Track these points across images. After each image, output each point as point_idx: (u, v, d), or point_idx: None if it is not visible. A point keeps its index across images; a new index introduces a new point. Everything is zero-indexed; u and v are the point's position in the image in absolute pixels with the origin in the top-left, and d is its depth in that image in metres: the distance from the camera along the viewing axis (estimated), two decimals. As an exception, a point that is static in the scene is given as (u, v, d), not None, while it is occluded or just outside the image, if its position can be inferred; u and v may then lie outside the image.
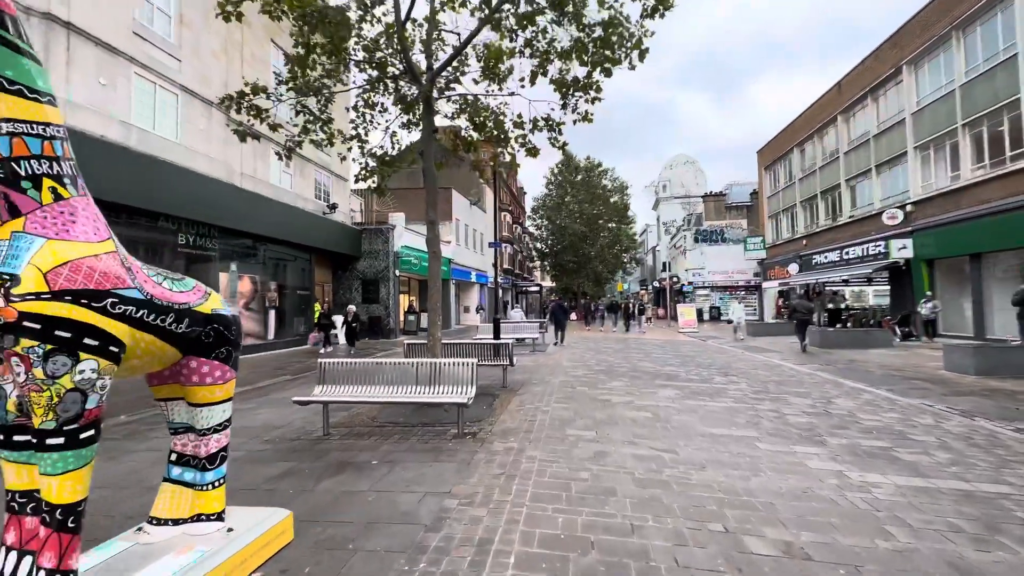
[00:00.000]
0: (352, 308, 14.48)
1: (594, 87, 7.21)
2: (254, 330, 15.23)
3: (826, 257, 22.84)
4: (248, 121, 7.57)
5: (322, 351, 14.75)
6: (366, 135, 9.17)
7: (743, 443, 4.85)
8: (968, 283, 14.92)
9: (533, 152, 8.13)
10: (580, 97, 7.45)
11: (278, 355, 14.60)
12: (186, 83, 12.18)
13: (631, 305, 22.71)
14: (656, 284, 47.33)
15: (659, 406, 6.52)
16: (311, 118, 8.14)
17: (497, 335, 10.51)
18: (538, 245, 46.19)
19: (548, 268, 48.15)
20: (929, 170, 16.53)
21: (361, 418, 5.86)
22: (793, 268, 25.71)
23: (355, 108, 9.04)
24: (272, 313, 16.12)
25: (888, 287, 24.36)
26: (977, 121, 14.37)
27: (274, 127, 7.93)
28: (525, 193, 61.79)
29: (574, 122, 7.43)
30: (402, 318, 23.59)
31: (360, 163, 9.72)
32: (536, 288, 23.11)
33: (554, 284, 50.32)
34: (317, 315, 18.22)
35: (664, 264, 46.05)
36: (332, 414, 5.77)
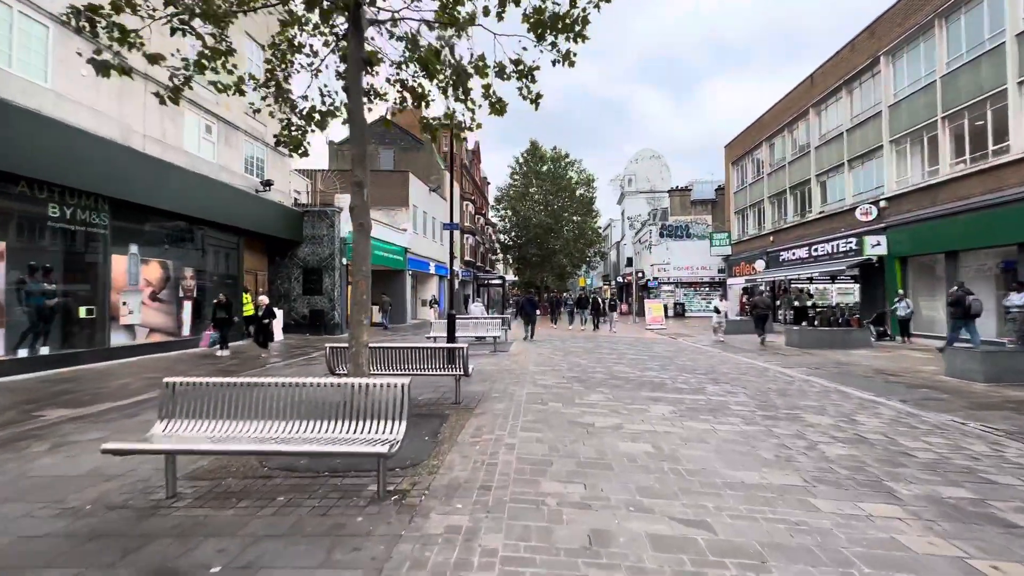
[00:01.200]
0: (264, 299, 12.26)
1: (580, 22, 5.58)
2: (163, 324, 12.79)
3: (794, 254, 22.43)
4: (112, 48, 5.45)
5: (219, 353, 12.05)
6: (286, 80, 7.16)
7: (793, 500, 3.40)
8: (943, 282, 14.49)
9: (499, 108, 6.43)
10: (560, 37, 5.79)
11: (191, 355, 12.27)
12: (61, 12, 9.62)
13: (601, 300, 21.35)
14: (620, 279, 46.78)
15: (657, 432, 5.04)
16: (205, 50, 6.07)
17: (452, 335, 8.80)
18: (501, 237, 44.57)
19: (511, 261, 46.65)
20: (905, 165, 16.06)
21: (237, 464, 4.00)
22: (760, 264, 25.32)
23: (272, 46, 6.99)
24: (188, 305, 13.67)
25: (853, 285, 24.40)
26: (958, 114, 13.86)
27: (153, 59, 5.82)
28: (488, 183, 59.89)
29: (553, 63, 5.77)
30: (350, 311, 21.38)
31: (280, 118, 7.70)
32: (499, 281, 21.40)
33: (517, 278, 48.90)
34: (245, 307, 15.86)
35: (628, 259, 45.55)
36: (192, 458, 3.91)
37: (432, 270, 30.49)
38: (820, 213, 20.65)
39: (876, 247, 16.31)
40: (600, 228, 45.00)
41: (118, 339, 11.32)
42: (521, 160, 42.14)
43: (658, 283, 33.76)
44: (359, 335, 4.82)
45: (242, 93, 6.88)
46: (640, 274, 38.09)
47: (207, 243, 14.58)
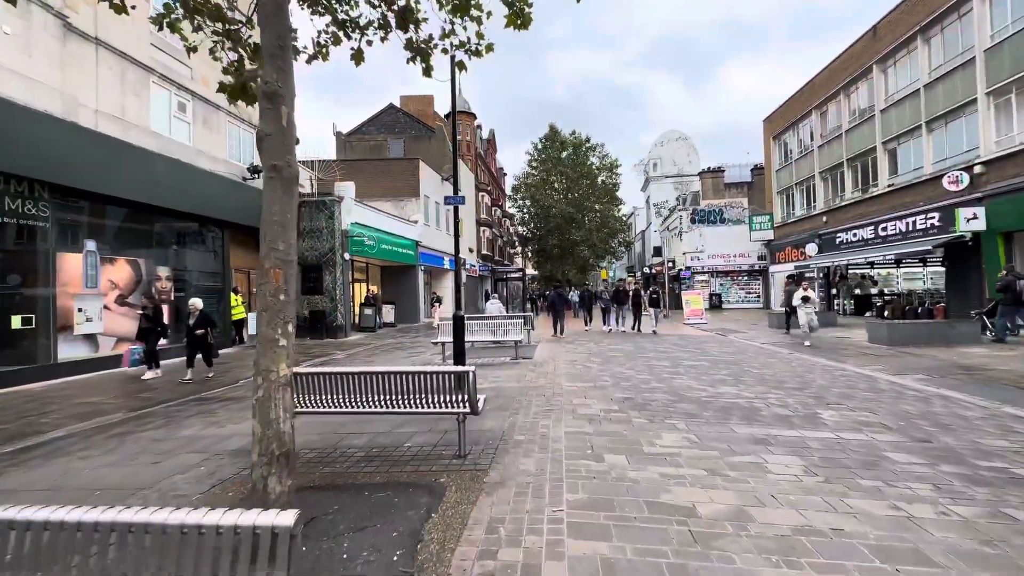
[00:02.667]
0: (197, 303, 9.11)
1: None
2: (133, 332, 11.03)
3: (855, 235, 19.60)
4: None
5: (148, 376, 9.02)
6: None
7: None
8: (1068, 260, 11.71)
9: (522, 19, 4.22)
10: None
11: (177, 365, 10.46)
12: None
13: (642, 293, 17.11)
14: (648, 270, 44.10)
15: (813, 526, 2.82)
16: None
17: (459, 346, 6.66)
18: (519, 229, 42.31)
19: (530, 254, 44.41)
20: (1009, 120, 13.21)
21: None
22: (811, 248, 22.50)
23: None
24: (164, 310, 11.90)
25: (921, 269, 21.40)
26: (1091, 48, 11.03)
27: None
28: (505, 175, 57.71)
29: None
30: (356, 311, 19.55)
31: (220, 57, 5.64)
32: (518, 274, 19.13)
33: (536, 272, 46.63)
34: (235, 310, 14.11)
35: (656, 248, 42.82)
36: None
37: (447, 265, 28.52)
38: (889, 186, 17.80)
39: (972, 221, 13.53)
40: (625, 216, 42.28)
41: (71, 352, 9.58)
42: (540, 146, 39.70)
43: (691, 273, 31.06)
44: (270, 364, 2.71)
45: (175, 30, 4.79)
46: (671, 264, 35.41)
47: (186, 238, 12.81)
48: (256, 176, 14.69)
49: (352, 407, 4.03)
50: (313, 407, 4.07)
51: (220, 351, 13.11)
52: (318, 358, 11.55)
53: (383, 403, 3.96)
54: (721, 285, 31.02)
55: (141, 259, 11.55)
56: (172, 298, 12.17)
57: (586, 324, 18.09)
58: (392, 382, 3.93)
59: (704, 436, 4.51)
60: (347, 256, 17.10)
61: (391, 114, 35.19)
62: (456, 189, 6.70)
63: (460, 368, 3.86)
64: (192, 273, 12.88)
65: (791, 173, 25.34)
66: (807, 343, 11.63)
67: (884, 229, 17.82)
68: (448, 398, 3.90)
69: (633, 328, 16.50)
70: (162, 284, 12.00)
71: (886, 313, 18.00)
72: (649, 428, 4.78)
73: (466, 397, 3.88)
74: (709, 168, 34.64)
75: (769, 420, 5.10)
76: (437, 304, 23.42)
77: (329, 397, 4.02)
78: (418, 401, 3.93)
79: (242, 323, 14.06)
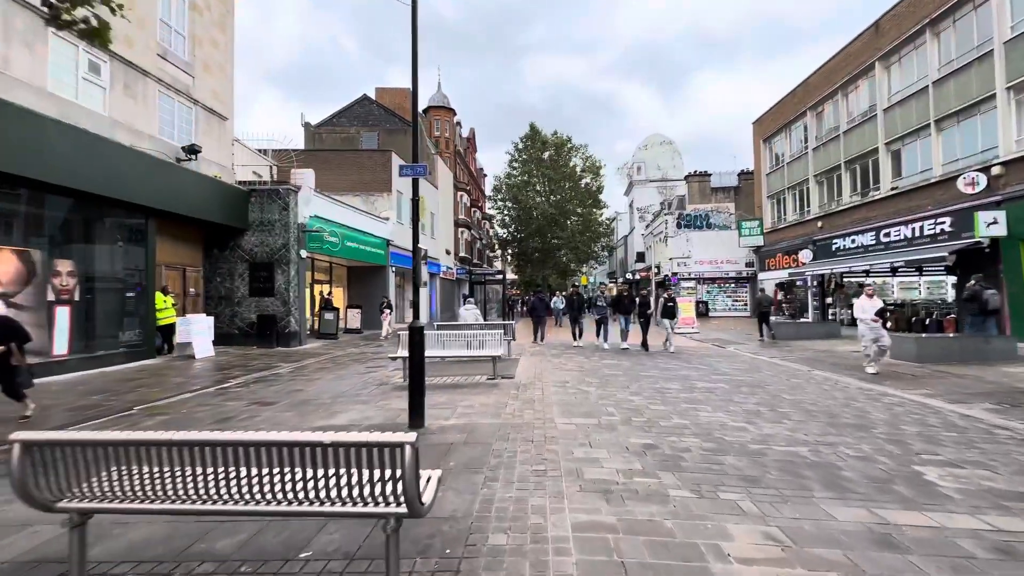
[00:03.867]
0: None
1: None
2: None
3: (853, 241, 18.56)
4: None
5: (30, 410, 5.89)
6: None
7: None
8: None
9: None
10: None
11: (70, 382, 8.28)
12: None
13: (650, 299, 14.97)
14: (630, 276, 42.97)
15: None
16: None
17: (415, 377, 4.76)
18: (499, 231, 40.63)
19: (510, 258, 42.75)
20: (1033, 117, 12.20)
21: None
22: (805, 255, 21.44)
23: None
24: (64, 312, 9.71)
25: (916, 278, 20.56)
26: None
27: None
28: (485, 175, 56.05)
29: None
30: (311, 316, 17.47)
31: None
32: (498, 276, 17.33)
33: (516, 276, 45.00)
34: (163, 313, 11.94)
35: (639, 254, 41.74)
36: None
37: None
38: (892, 190, 16.78)
39: (993, 226, 12.44)
40: (608, 220, 41.06)
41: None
42: (520, 146, 38.14)
43: (678, 279, 29.87)
44: None
45: None
46: (655, 269, 34.27)
47: (97, 226, 10.63)
48: (193, 157, 12.58)
49: (182, 501, 2.18)
50: (117, 499, 2.22)
51: (145, 360, 10.98)
52: (258, 372, 9.54)
53: (239, 496, 2.13)
54: (708, 292, 29.93)
55: (36, 250, 9.37)
56: (76, 297, 9.97)
57: (576, 337, 14.08)
58: (261, 457, 2.11)
59: (793, 529, 2.83)
60: (304, 253, 15.06)
61: (365, 105, 33.13)
62: (416, 154, 4.92)
63: (389, 438, 2.06)
64: (104, 268, 10.68)
65: (783, 177, 24.37)
66: (870, 369, 8.71)
67: (887, 235, 16.77)
68: (366, 491, 2.10)
69: (643, 346, 12.69)
70: (61, 280, 9.79)
71: (888, 325, 16.90)
72: (701, 512, 3.07)
73: (402, 487, 2.08)
74: (696, 172, 33.69)
75: (864, 490, 3.47)
76: (387, 311, 18.67)
77: (140, 487, 2.18)
78: (308, 493, 2.12)
79: (171, 329, 11.89)
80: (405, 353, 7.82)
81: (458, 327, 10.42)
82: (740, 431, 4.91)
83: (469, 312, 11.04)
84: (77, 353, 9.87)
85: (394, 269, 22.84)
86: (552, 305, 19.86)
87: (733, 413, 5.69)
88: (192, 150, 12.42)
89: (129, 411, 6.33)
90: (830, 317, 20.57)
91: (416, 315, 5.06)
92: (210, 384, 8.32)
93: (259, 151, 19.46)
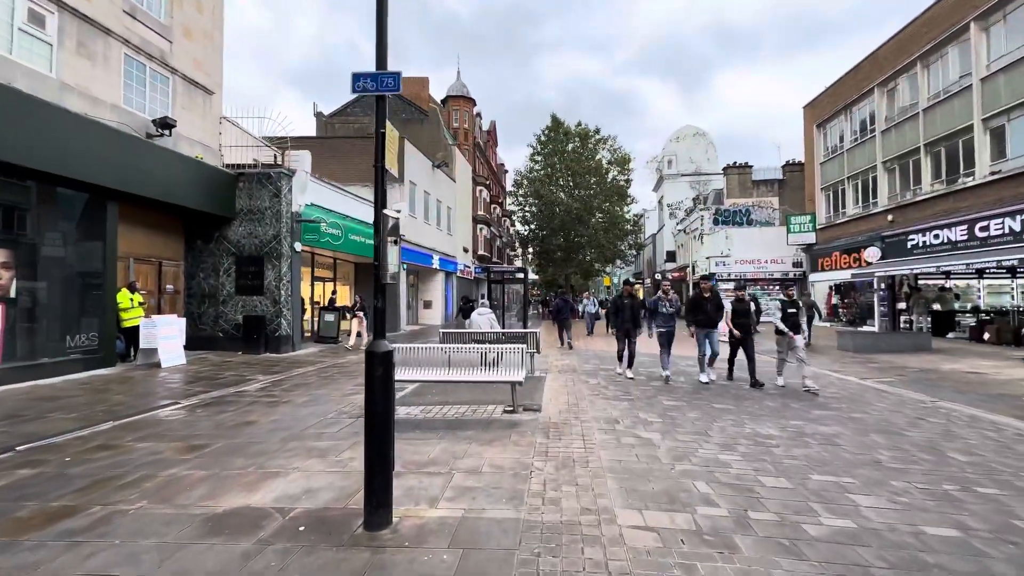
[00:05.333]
0: None
1: None
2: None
3: (936, 237, 15.78)
4: None
5: None
6: None
7: None
8: None
9: None
10: None
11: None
12: None
13: (749, 302, 8.30)
14: (658, 277, 40.28)
15: None
16: None
17: (378, 445, 2.70)
18: (519, 226, 38.50)
19: (531, 256, 40.58)
20: None
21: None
22: (872, 254, 18.65)
23: None
24: (-5, 312, 8.01)
25: (1010, 282, 17.59)
26: None
27: None
28: (506, 171, 54.04)
29: None
30: (310, 318, 15.66)
31: None
32: (519, 274, 15.23)
33: (537, 276, 42.77)
34: (129, 313, 10.23)
35: (669, 253, 39.07)
36: None
37: (436, 264, 24.69)
38: (992, 175, 14.00)
39: None
40: (636, 216, 38.51)
41: None
42: (543, 138, 35.85)
43: (716, 280, 27.18)
44: None
45: None
46: (690, 269, 31.63)
47: (42, 210, 8.91)
48: (167, 133, 10.83)
49: None
50: None
51: (101, 369, 9.23)
52: (222, 388, 7.63)
53: None
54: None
55: (-40, 236, 7.69)
56: (11, 294, 8.26)
57: (626, 363, 8.70)
58: None
59: None
60: (298, 246, 13.23)
61: (379, 95, 31.38)
62: (382, 58, 2.80)
63: None
64: (49, 259, 8.96)
65: (841, 165, 21.55)
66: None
67: (984, 229, 14.00)
68: None
69: (729, 376, 8.24)
70: (-8, 275, 8.09)
71: (986, 336, 14.15)
72: None
73: None
74: (735, 163, 30.87)
75: None
76: (358, 316, 13.96)
77: None
78: None
79: (135, 332, 10.14)
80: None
81: (468, 339, 8.34)
82: (955, 551, 2.65)
83: (483, 318, 8.92)
84: (13, 361, 8.16)
85: (406, 266, 20.95)
86: (582, 309, 17.63)
87: (903, 494, 3.42)
88: (164, 124, 10.67)
89: (-7, 457, 4.43)
90: (903, 325, 17.77)
91: (380, 329, 2.97)
92: (149, 407, 6.44)
93: (264, 140, 17.75)
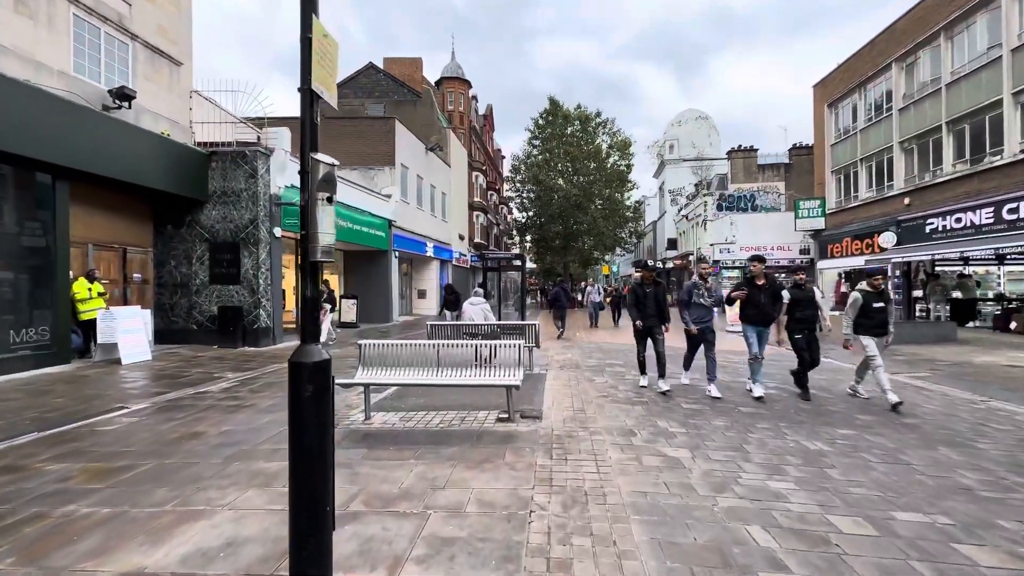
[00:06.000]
0: None
1: None
2: None
3: (959, 220, 14.88)
4: None
5: None
6: None
7: None
8: None
9: None
10: None
11: None
12: None
13: (813, 289, 6.35)
14: (661, 264, 39.39)
15: None
16: None
17: (311, 504, 1.83)
18: (515, 212, 37.46)
19: (529, 244, 39.58)
20: None
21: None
22: (887, 239, 17.75)
23: None
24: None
25: (1035, 267, 16.74)
26: None
27: None
28: (503, 157, 52.78)
29: None
30: (295, 309, 14.72)
31: None
32: (516, 261, 14.32)
33: (536, 265, 41.83)
34: (87, 305, 9.29)
35: (670, 241, 38.17)
36: None
37: (430, 252, 23.72)
38: (1021, 153, 13.06)
39: None
40: (637, 203, 37.52)
41: None
42: (541, 122, 34.64)
43: (720, 268, 26.34)
44: None
45: None
46: (692, 257, 30.73)
47: (-21, 189, 7.91)
48: (126, 105, 9.78)
49: None
50: None
51: (53, 367, 8.31)
52: (182, 388, 6.72)
53: None
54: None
55: None
56: (-58, 285, 7.30)
57: (644, 371, 6.80)
58: None
59: None
60: (278, 232, 12.25)
61: (370, 75, 30.16)
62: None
63: None
64: (-10, 246, 7.98)
65: (854, 146, 20.55)
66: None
67: (1014, 211, 13.10)
68: None
69: (800, 391, 6.14)
70: (-83, 261, 7.12)
71: (1013, 325, 13.35)
72: None
73: None
74: (739, 147, 29.82)
75: None
76: (325, 308, 12.13)
77: None
78: None
79: (92, 325, 9.19)
80: (373, 378, 4.93)
81: (459, 332, 7.45)
82: None
83: (476, 308, 8.00)
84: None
85: (397, 254, 19.99)
86: (585, 299, 16.79)
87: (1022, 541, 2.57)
88: (122, 95, 9.61)
89: None
90: (919, 314, 16.96)
91: (311, 328, 2.04)
92: (89, 414, 5.54)
93: (245, 120, 16.60)
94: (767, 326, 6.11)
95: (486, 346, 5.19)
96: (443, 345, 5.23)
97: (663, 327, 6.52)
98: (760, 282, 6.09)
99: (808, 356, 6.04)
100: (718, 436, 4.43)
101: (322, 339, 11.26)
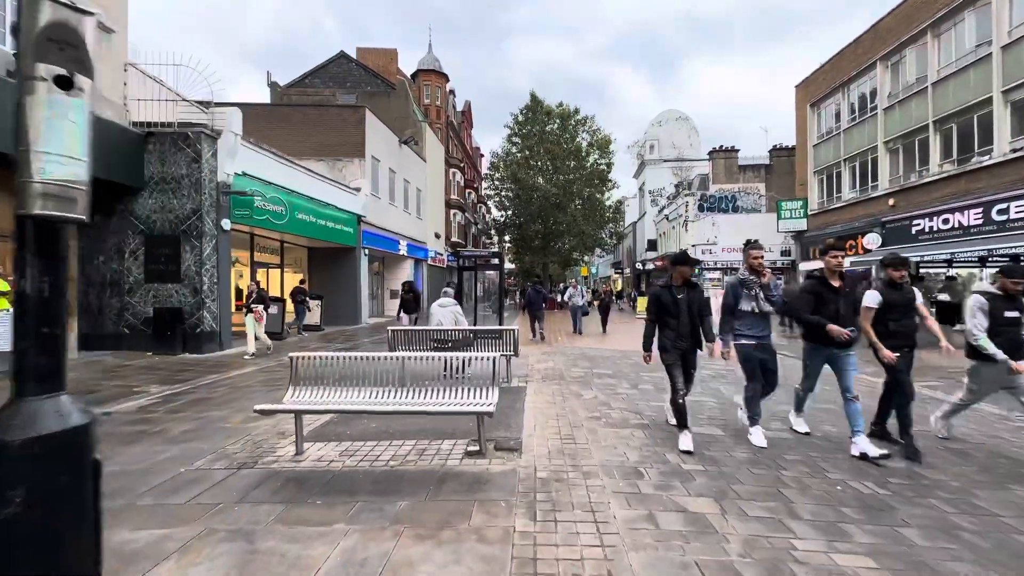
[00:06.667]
0: None
1: None
2: None
3: (946, 221, 14.61)
4: None
5: None
6: None
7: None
8: None
9: None
10: None
11: None
12: None
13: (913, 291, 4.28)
14: (639, 267, 39.00)
15: None
16: None
17: None
18: (494, 210, 36.44)
19: (508, 244, 38.62)
20: None
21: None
22: (871, 240, 17.48)
23: None
24: None
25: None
26: None
27: None
28: (482, 155, 51.68)
29: None
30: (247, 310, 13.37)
31: None
32: (494, 259, 13.37)
33: (514, 265, 40.90)
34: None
35: (650, 242, 37.79)
36: None
37: (403, 250, 22.47)
38: (1013, 152, 12.76)
39: None
40: (618, 203, 36.97)
41: None
42: (520, 118, 33.71)
43: (701, 269, 25.89)
44: None
45: None
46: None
47: None
48: (38, 73, 8.33)
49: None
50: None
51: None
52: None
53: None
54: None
55: None
56: None
57: (680, 413, 4.21)
58: None
59: None
60: (227, 224, 10.92)
61: (342, 65, 28.70)
62: None
63: None
64: None
65: (837, 147, 20.30)
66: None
67: (1003, 212, 12.80)
68: None
69: (903, 442, 4.02)
70: None
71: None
72: None
73: None
74: (721, 147, 29.54)
75: None
76: (254, 312, 9.88)
77: None
78: None
79: (-8, 330, 7.76)
80: (294, 405, 3.84)
81: (424, 341, 6.41)
82: None
83: (446, 310, 6.95)
84: None
85: (367, 252, 18.71)
86: (568, 301, 15.85)
87: None
88: (32, 60, 8.18)
89: None
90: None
91: (25, 366, 0.98)
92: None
93: (194, 101, 15.10)
94: (850, 346, 4.02)
95: (451, 363, 4.16)
96: (403, 359, 4.17)
97: (708, 348, 4.32)
98: (835, 283, 4.08)
99: (904, 380, 4.05)
100: (750, 480, 3.48)
101: (250, 350, 9.76)
